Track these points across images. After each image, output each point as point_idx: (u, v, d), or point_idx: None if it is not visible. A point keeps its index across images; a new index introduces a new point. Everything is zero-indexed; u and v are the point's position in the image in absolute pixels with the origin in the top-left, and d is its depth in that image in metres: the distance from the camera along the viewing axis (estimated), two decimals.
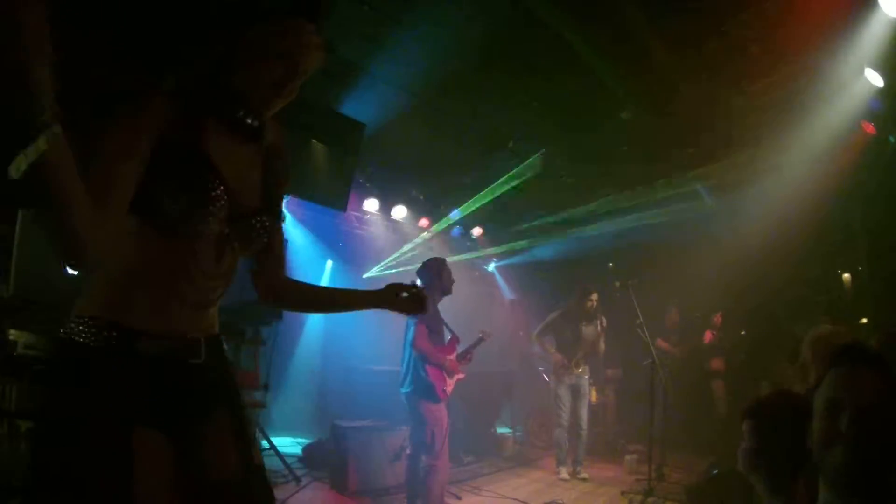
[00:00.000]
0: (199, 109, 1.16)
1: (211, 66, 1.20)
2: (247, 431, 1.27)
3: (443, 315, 3.83)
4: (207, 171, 1.13)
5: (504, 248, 8.30)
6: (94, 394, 1.05)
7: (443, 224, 7.32)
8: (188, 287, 1.16)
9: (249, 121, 1.23)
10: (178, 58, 1.23)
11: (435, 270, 3.76)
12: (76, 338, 1.07)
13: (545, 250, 7.98)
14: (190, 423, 1.17)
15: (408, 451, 3.72)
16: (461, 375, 3.78)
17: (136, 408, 1.07)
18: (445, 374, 3.62)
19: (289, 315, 4.81)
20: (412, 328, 3.59)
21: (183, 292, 1.16)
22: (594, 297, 5.29)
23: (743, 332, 6.77)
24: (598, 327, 5.34)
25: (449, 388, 3.64)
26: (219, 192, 1.14)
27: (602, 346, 5.39)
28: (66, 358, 1.09)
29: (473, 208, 6.90)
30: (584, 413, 5.24)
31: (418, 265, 3.86)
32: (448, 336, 3.83)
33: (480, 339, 4.10)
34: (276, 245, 1.40)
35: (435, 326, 3.68)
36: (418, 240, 7.43)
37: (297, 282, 1.48)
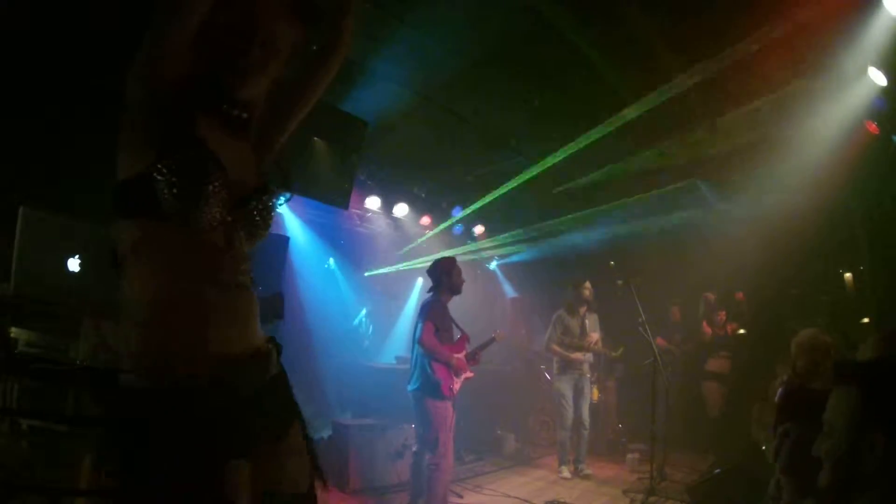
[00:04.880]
0: (187, 102, 1.08)
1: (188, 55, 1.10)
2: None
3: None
4: (203, 156, 1.06)
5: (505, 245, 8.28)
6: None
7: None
8: (210, 276, 1.09)
9: (236, 112, 1.14)
10: None
11: (444, 270, 3.75)
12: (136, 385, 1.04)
13: (546, 248, 7.96)
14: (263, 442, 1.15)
15: (413, 449, 3.72)
16: (470, 374, 3.76)
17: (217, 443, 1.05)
18: (452, 373, 3.61)
19: (290, 314, 4.78)
20: (420, 325, 3.59)
21: (206, 288, 1.09)
22: (587, 285, 5.34)
23: (742, 331, 6.75)
24: (597, 319, 5.41)
25: (456, 387, 3.64)
26: (214, 175, 1.06)
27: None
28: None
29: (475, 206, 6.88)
30: (585, 411, 5.24)
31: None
32: (458, 335, 3.83)
33: (492, 340, 4.09)
34: None
35: (443, 324, 3.68)
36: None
37: None
